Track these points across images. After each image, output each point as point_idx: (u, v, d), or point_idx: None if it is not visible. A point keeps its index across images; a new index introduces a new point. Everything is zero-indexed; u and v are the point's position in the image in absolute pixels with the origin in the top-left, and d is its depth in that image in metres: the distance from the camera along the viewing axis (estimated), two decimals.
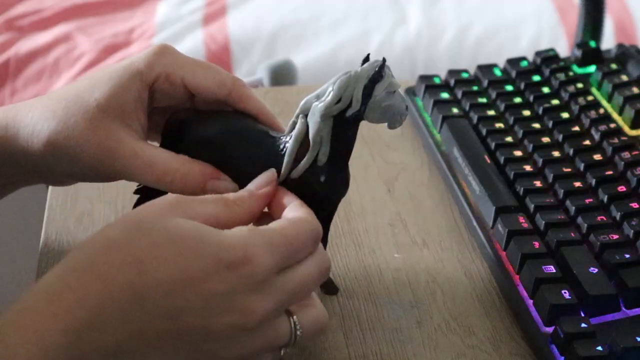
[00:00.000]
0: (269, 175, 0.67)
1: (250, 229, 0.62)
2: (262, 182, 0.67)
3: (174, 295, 0.58)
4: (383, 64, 0.65)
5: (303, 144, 0.67)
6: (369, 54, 0.67)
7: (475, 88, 0.93)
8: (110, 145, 0.69)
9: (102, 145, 0.69)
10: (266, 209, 0.67)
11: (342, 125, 0.66)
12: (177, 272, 0.59)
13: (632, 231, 0.73)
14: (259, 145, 0.68)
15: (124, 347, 0.58)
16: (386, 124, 0.67)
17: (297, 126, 0.67)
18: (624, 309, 0.69)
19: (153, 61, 0.70)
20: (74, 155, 0.69)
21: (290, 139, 0.67)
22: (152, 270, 0.58)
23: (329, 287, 0.73)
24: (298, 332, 0.62)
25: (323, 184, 0.67)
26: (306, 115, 0.67)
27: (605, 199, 0.77)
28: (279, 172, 0.68)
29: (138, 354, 0.59)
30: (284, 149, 0.67)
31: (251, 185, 0.67)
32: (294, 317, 0.62)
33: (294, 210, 0.65)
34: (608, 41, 1.57)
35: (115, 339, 0.58)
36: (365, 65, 0.66)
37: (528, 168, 0.81)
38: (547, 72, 0.93)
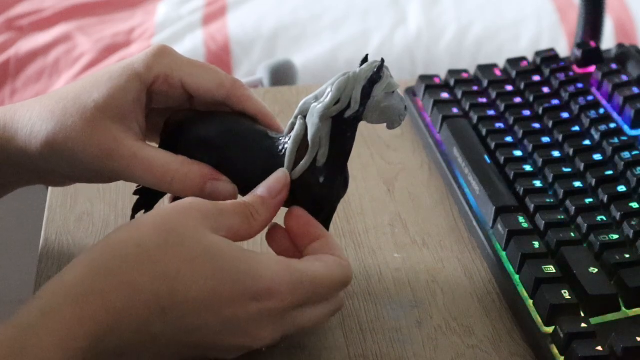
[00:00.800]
0: (281, 179, 0.67)
1: (280, 261, 0.63)
2: (275, 188, 0.67)
3: (197, 314, 0.60)
4: (382, 64, 0.65)
5: (302, 144, 0.67)
6: (367, 55, 0.67)
7: (475, 88, 0.93)
8: (109, 146, 0.69)
9: (101, 146, 0.69)
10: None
11: (341, 126, 0.66)
12: (207, 293, 0.60)
13: (632, 231, 0.73)
14: (258, 146, 0.68)
15: (133, 349, 0.59)
16: (385, 124, 0.67)
17: (296, 127, 0.67)
18: (624, 309, 0.69)
19: (152, 62, 0.70)
20: (73, 157, 0.69)
21: (289, 139, 0.67)
22: (183, 288, 0.60)
23: None
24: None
25: (322, 184, 0.67)
26: (305, 116, 0.67)
27: (605, 199, 0.77)
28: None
29: (143, 354, 0.60)
30: (283, 150, 0.67)
31: (265, 191, 0.67)
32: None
33: (327, 247, 0.66)
34: (608, 41, 1.57)
35: (129, 343, 0.59)
36: (364, 66, 0.66)
37: (528, 168, 0.81)
38: (547, 72, 0.93)
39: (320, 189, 0.67)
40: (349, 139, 0.67)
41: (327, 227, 0.71)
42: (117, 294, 0.59)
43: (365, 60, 0.66)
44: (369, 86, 0.65)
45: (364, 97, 0.65)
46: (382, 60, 0.65)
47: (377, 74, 0.65)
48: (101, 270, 0.59)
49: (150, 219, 0.63)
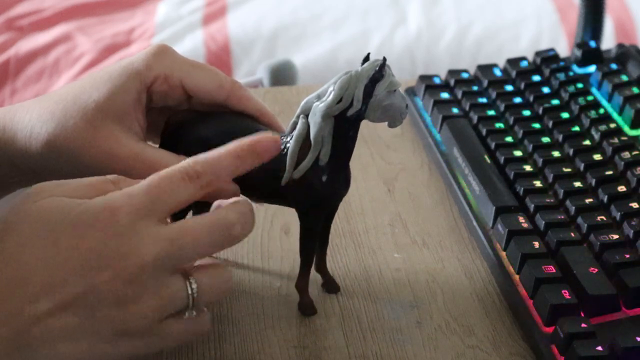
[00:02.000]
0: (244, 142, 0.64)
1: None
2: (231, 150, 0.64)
3: (49, 275, 0.58)
4: (383, 63, 0.65)
5: (304, 144, 0.67)
6: (369, 54, 0.67)
7: (475, 88, 0.93)
8: (109, 146, 0.68)
9: (102, 146, 0.69)
10: None
11: (343, 125, 0.66)
12: (48, 251, 0.58)
13: (632, 231, 0.73)
14: None
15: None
16: (387, 122, 0.67)
17: (298, 126, 0.67)
18: (624, 309, 0.69)
19: (152, 62, 0.70)
20: (73, 157, 0.69)
21: (291, 139, 0.67)
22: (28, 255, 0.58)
23: (330, 285, 0.73)
24: (194, 291, 0.60)
25: (325, 183, 0.67)
26: (307, 116, 0.67)
27: (605, 199, 0.77)
28: (280, 172, 0.67)
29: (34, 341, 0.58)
30: (285, 149, 0.67)
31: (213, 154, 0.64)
32: (190, 277, 0.60)
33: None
34: (608, 41, 1.57)
35: None
36: (366, 64, 0.66)
37: (528, 168, 0.81)
38: (547, 72, 0.94)
39: (322, 187, 0.67)
40: (351, 138, 0.67)
41: (328, 226, 0.71)
42: None
43: (366, 59, 0.66)
44: (370, 85, 0.65)
45: (366, 95, 0.65)
46: (384, 59, 0.65)
47: (379, 72, 0.65)
48: None
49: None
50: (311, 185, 0.67)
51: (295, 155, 0.67)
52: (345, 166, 0.68)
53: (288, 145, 0.67)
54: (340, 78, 0.66)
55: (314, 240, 0.70)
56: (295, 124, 0.68)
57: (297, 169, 0.67)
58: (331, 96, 0.66)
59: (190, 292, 0.60)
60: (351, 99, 0.65)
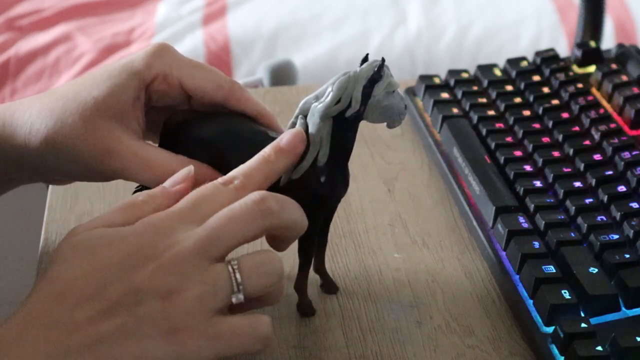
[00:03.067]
0: (185, 172, 0.65)
1: None
2: (177, 179, 0.65)
3: (87, 284, 0.58)
4: (382, 64, 0.65)
5: None
6: (367, 54, 0.67)
7: (475, 88, 0.93)
8: (108, 144, 0.68)
9: (101, 144, 0.69)
10: None
11: (342, 126, 0.66)
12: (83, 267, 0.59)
13: (632, 231, 0.73)
14: (258, 146, 0.68)
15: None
16: (385, 123, 0.67)
17: (297, 127, 0.67)
18: (624, 309, 0.69)
19: (151, 61, 0.70)
20: (72, 154, 0.69)
21: None
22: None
23: (328, 286, 0.73)
24: (236, 272, 0.59)
25: (323, 184, 0.67)
26: (305, 116, 0.67)
27: (605, 199, 0.77)
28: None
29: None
30: None
31: (167, 182, 0.65)
32: (232, 261, 0.60)
33: None
34: (608, 41, 1.57)
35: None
36: (364, 65, 0.66)
37: (528, 168, 0.81)
38: (547, 72, 0.93)
39: (321, 188, 0.67)
40: (349, 139, 0.67)
41: (327, 227, 0.71)
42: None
43: (365, 59, 0.66)
44: (369, 85, 0.65)
45: (365, 96, 0.65)
46: (383, 60, 0.65)
47: (378, 73, 0.65)
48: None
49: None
50: (310, 185, 0.67)
51: None
52: (344, 167, 0.68)
53: None
54: (339, 79, 0.66)
55: (312, 241, 0.70)
56: (294, 124, 0.68)
57: (296, 170, 0.67)
58: (330, 97, 0.66)
59: (232, 272, 0.59)
60: (350, 100, 0.65)
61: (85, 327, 0.57)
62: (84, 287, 0.58)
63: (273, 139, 0.68)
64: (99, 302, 0.57)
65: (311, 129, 0.66)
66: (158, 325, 0.57)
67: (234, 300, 0.59)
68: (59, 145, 0.69)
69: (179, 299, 0.57)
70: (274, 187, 0.68)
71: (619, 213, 0.75)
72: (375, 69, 0.65)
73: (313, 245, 0.70)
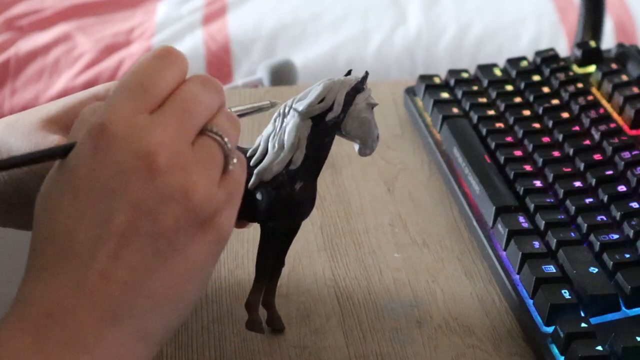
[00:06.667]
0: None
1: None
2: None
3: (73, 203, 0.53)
4: (366, 76, 0.66)
5: (279, 141, 0.65)
6: (350, 70, 0.67)
7: (475, 88, 0.93)
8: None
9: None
10: None
11: (320, 131, 0.65)
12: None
13: (632, 231, 0.73)
14: None
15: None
16: (358, 146, 0.66)
17: (270, 125, 0.65)
18: (624, 309, 0.69)
19: (111, 86, 0.68)
20: (20, 180, 0.66)
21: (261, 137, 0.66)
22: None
23: (273, 323, 0.70)
24: (225, 139, 0.55)
25: (298, 191, 0.65)
26: (283, 115, 0.66)
27: (605, 199, 0.77)
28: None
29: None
30: (253, 153, 0.66)
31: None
32: (208, 128, 0.55)
33: None
34: (608, 41, 1.57)
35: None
36: (349, 76, 0.66)
37: (528, 168, 0.81)
38: (547, 72, 0.94)
39: (296, 195, 0.65)
40: (326, 146, 0.66)
41: (283, 254, 0.68)
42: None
43: (348, 73, 0.66)
44: (352, 93, 0.65)
45: (347, 103, 0.65)
46: (366, 73, 0.66)
47: (361, 83, 0.65)
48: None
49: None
50: (282, 187, 0.65)
51: (266, 143, 0.65)
52: (315, 178, 0.66)
53: (260, 143, 0.66)
54: (324, 81, 0.65)
55: (271, 256, 0.67)
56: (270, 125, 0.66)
57: (267, 170, 0.65)
58: (314, 95, 0.65)
59: (218, 137, 0.55)
60: (332, 102, 0.65)
61: (112, 273, 0.52)
62: (82, 233, 0.53)
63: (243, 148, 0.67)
64: (111, 239, 0.52)
65: (289, 129, 0.65)
66: (189, 228, 0.53)
67: (230, 167, 0.56)
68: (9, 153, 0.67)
69: (193, 192, 0.53)
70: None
71: (619, 213, 0.75)
72: (359, 80, 0.65)
73: (270, 261, 0.68)
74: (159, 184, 0.53)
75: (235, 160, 0.56)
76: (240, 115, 0.62)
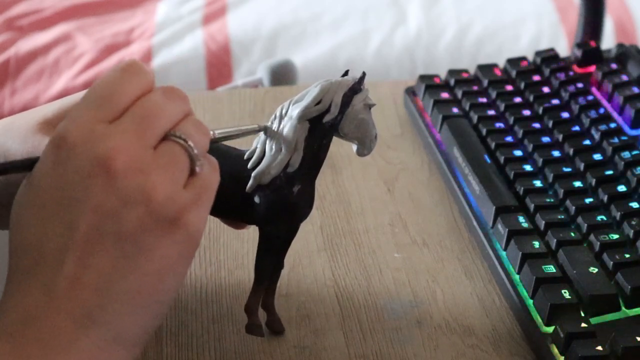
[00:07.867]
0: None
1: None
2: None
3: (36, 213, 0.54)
4: (363, 76, 0.65)
5: (277, 144, 0.65)
6: (348, 70, 0.66)
7: (475, 88, 0.93)
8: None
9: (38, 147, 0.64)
10: None
11: (318, 132, 0.65)
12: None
13: (632, 231, 0.73)
14: (226, 154, 0.66)
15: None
16: (356, 146, 0.66)
17: (274, 126, 0.65)
18: (624, 309, 0.69)
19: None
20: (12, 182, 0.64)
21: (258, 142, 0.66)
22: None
23: (274, 325, 0.70)
24: (189, 142, 0.55)
25: (296, 195, 0.65)
26: (280, 118, 0.65)
27: (605, 199, 0.77)
28: (246, 179, 0.65)
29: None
30: (253, 152, 0.65)
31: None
32: (172, 134, 0.56)
33: None
34: (608, 41, 1.57)
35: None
36: (346, 76, 0.66)
37: (528, 168, 0.81)
38: (547, 72, 0.94)
39: (294, 198, 0.65)
40: (323, 147, 0.65)
41: (282, 256, 0.68)
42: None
43: (346, 74, 0.66)
44: (350, 94, 0.65)
45: (344, 104, 0.65)
46: (363, 74, 0.65)
47: (359, 84, 0.65)
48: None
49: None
50: (280, 189, 0.65)
51: (260, 157, 0.65)
52: (313, 180, 0.66)
53: (257, 145, 0.66)
54: (321, 83, 0.65)
55: (270, 258, 0.67)
56: (263, 128, 0.66)
57: (264, 173, 0.65)
58: (311, 97, 0.65)
59: (183, 141, 0.55)
60: (330, 104, 0.65)
61: (81, 277, 0.53)
62: (50, 242, 0.53)
63: (240, 151, 0.67)
64: (77, 245, 0.53)
65: (287, 131, 0.65)
66: (155, 228, 0.54)
67: (197, 168, 0.56)
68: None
69: (154, 193, 0.54)
70: (240, 193, 0.65)
71: (619, 213, 0.75)
72: (357, 80, 0.65)
73: (270, 263, 0.68)
74: (118, 186, 0.54)
75: (203, 163, 0.56)
76: (227, 138, 0.63)
